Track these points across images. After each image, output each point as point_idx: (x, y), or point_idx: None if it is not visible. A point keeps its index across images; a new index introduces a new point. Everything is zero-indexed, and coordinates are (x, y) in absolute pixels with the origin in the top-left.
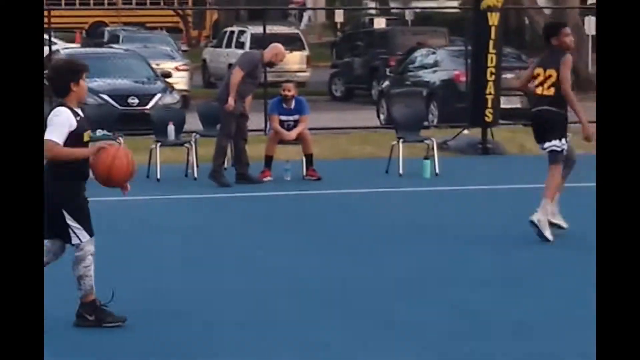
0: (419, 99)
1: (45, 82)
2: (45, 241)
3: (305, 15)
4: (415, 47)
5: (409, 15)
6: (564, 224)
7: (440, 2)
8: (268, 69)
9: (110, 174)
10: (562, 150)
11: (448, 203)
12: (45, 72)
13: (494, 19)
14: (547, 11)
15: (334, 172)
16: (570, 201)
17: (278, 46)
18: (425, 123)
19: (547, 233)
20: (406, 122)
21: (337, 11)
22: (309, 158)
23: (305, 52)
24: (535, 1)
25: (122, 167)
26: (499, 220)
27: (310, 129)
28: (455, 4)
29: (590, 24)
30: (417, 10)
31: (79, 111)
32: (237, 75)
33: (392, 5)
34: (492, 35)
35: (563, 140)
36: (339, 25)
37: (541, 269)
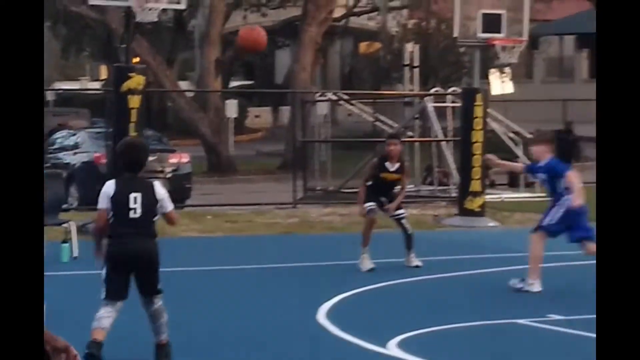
0: (58, 180)
1: None
2: (120, 303)
3: None
4: (57, 129)
5: (50, 95)
6: None
7: (83, 83)
8: None
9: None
10: None
11: (87, 287)
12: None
13: (134, 101)
14: (189, 94)
15: None
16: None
17: None
18: (65, 206)
19: None
20: (45, 205)
21: None
22: None
23: None
24: (177, 84)
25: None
26: None
27: None
28: (98, 85)
29: (231, 107)
30: (59, 91)
31: None
32: None
33: None
34: (133, 118)
35: None
36: None
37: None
